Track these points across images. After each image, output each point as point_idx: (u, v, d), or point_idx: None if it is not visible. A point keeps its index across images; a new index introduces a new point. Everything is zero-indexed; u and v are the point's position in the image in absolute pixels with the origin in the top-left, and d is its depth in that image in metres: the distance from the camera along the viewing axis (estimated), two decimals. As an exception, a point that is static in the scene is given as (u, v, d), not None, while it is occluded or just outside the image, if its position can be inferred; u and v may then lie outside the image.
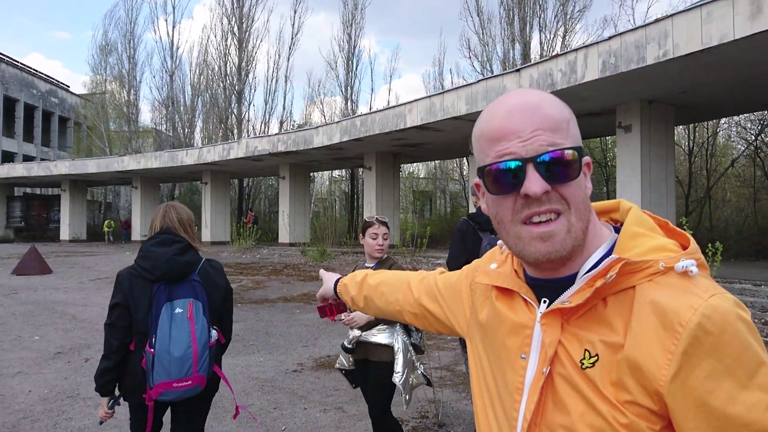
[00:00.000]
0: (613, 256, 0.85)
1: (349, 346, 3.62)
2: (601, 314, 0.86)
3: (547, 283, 0.94)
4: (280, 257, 22.02)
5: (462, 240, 4.50)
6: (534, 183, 0.85)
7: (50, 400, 5.23)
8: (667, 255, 0.85)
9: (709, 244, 9.55)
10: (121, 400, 2.78)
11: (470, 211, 6.66)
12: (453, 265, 4.54)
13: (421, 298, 1.33)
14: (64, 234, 35.95)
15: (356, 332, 3.56)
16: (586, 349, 0.85)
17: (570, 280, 0.91)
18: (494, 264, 1.07)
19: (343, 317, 3.29)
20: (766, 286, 10.78)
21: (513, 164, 0.86)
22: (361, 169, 28.95)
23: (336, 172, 41.26)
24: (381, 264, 3.66)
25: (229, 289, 2.91)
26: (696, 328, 0.77)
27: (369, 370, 3.58)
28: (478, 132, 0.93)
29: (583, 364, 0.85)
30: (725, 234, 18.75)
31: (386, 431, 3.56)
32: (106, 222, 36.19)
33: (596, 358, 0.84)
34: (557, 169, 0.86)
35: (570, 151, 0.86)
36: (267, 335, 8.04)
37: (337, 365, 3.82)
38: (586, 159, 0.92)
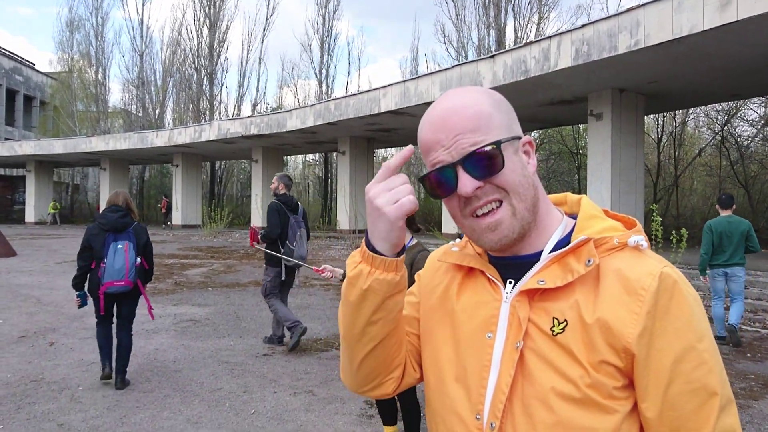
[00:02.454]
0: (582, 236, 0.92)
1: None
2: (565, 285, 0.92)
3: (510, 262, 0.98)
4: (253, 241, 21.82)
5: (278, 216, 6.25)
6: (465, 184, 0.91)
7: (13, 384, 5.14)
8: (619, 233, 0.94)
9: (674, 231, 9.78)
10: (87, 300, 5.09)
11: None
12: (274, 232, 6.28)
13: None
14: (30, 216, 35.02)
15: None
16: (554, 317, 0.91)
17: (533, 258, 0.96)
18: (455, 248, 1.09)
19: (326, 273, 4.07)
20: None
21: (444, 171, 0.92)
22: (335, 154, 28.77)
23: (310, 156, 40.97)
24: (407, 251, 3.74)
25: (148, 241, 5.25)
26: (656, 292, 0.86)
27: None
28: (418, 143, 0.99)
29: (554, 331, 0.90)
30: (691, 222, 19.20)
31: (406, 410, 3.76)
32: (51, 204, 35.16)
33: (565, 323, 0.90)
34: (483, 165, 0.91)
35: (489, 147, 0.91)
36: (238, 319, 7.99)
37: None
38: (526, 138, 0.98)
